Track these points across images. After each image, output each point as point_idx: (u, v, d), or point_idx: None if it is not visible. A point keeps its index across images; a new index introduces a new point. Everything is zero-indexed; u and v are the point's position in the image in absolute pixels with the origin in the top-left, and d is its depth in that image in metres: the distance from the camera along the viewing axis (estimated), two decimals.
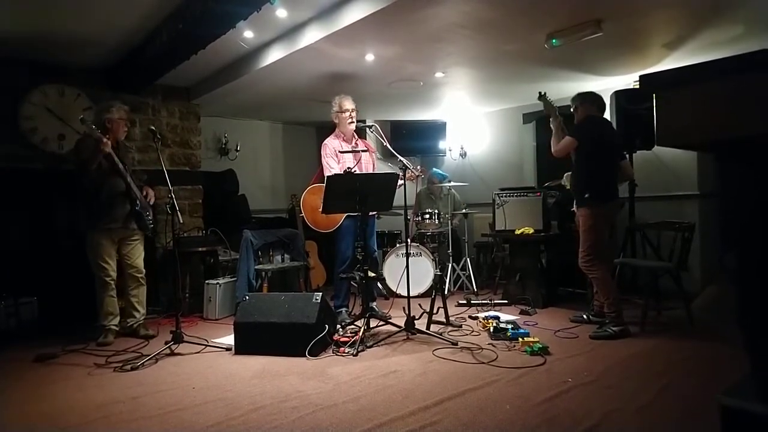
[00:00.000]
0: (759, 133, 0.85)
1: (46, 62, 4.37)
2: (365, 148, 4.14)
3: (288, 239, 4.95)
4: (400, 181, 3.71)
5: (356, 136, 4.22)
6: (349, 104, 4.08)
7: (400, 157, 3.82)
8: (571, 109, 3.71)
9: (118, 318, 3.74)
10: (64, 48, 4.08)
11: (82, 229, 3.70)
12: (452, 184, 5.56)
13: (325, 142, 4.15)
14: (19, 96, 4.27)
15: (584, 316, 3.82)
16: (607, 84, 5.05)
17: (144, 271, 3.88)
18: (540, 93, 3.87)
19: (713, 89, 0.91)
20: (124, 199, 3.67)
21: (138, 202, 3.70)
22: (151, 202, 3.81)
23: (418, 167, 3.87)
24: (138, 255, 3.84)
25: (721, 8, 3.38)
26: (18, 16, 3.46)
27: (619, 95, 4.53)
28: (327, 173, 3.96)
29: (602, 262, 3.46)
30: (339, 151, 4.04)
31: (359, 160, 4.05)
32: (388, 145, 3.99)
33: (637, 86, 4.78)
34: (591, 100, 3.62)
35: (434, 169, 6.13)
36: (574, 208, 3.70)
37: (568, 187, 4.90)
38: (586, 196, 3.45)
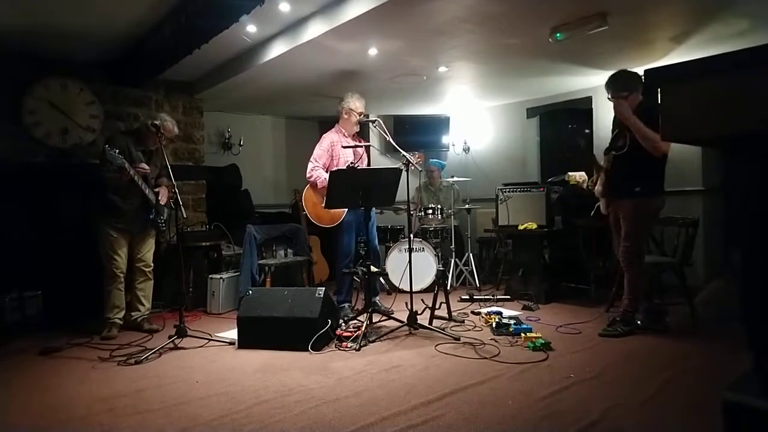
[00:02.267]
0: (766, 129, 0.84)
1: (48, 56, 4.37)
2: (368, 144, 4.14)
3: (291, 234, 4.96)
4: (409, 156, 3.72)
5: (356, 134, 4.22)
6: (362, 107, 4.08)
7: (403, 152, 3.82)
8: (614, 97, 3.26)
9: (123, 312, 3.75)
10: (66, 42, 4.08)
11: (93, 220, 3.70)
12: (455, 179, 5.56)
13: (324, 135, 4.15)
14: (22, 90, 4.28)
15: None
16: None
17: (152, 265, 3.89)
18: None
19: (719, 84, 0.90)
20: (142, 207, 3.69)
21: (153, 209, 3.73)
22: (162, 202, 3.79)
23: (416, 153, 3.88)
24: (148, 249, 3.86)
25: (726, 2, 3.35)
26: (21, 10, 3.46)
27: None
28: (309, 166, 3.99)
29: (642, 259, 3.31)
30: (342, 146, 4.04)
31: (360, 156, 4.05)
32: (391, 140, 3.98)
33: (643, 80, 4.74)
34: (641, 81, 3.30)
35: (432, 159, 6.17)
36: (603, 202, 3.47)
37: (572, 183, 4.89)
38: (637, 189, 3.19)
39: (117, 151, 3.38)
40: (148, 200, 3.68)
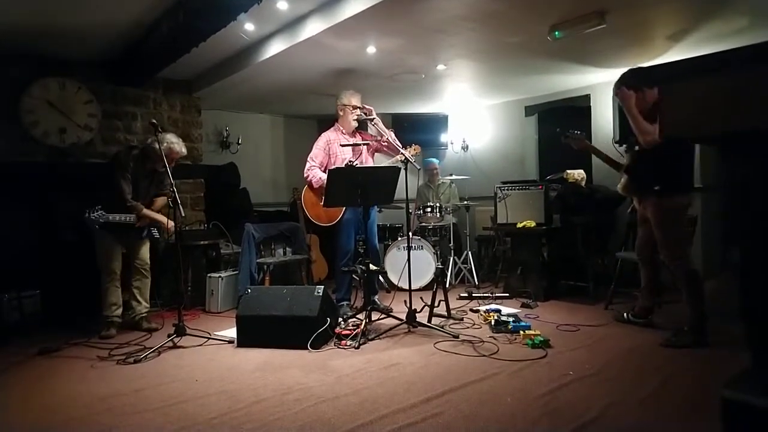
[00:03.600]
0: (765, 127, 0.84)
1: (46, 55, 4.36)
2: (367, 142, 4.12)
3: (289, 233, 4.96)
4: (407, 154, 3.77)
5: (357, 131, 4.21)
6: (357, 101, 4.06)
7: (402, 150, 3.82)
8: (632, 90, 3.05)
9: (121, 309, 3.75)
10: (64, 41, 4.06)
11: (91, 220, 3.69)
12: (453, 177, 5.57)
13: (322, 134, 4.15)
14: (20, 89, 4.26)
15: (624, 315, 3.54)
16: (610, 76, 5.02)
17: (149, 263, 3.89)
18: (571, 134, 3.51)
19: (718, 82, 0.90)
20: (134, 227, 3.70)
21: (146, 229, 3.75)
22: (141, 225, 3.73)
23: (413, 145, 3.90)
24: (144, 248, 3.86)
25: None
26: (19, 10, 3.44)
27: None
28: (306, 165, 4.01)
29: (690, 260, 3.06)
30: (341, 144, 4.04)
31: (360, 154, 4.04)
32: (390, 137, 3.98)
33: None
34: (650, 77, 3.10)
35: (426, 158, 6.19)
36: (635, 201, 3.36)
37: (570, 181, 4.90)
38: (656, 188, 3.01)
39: (99, 207, 3.42)
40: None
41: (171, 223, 3.67)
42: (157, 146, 3.51)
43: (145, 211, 3.68)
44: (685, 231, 3.11)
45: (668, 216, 3.05)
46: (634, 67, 3.27)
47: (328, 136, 4.12)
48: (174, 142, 3.69)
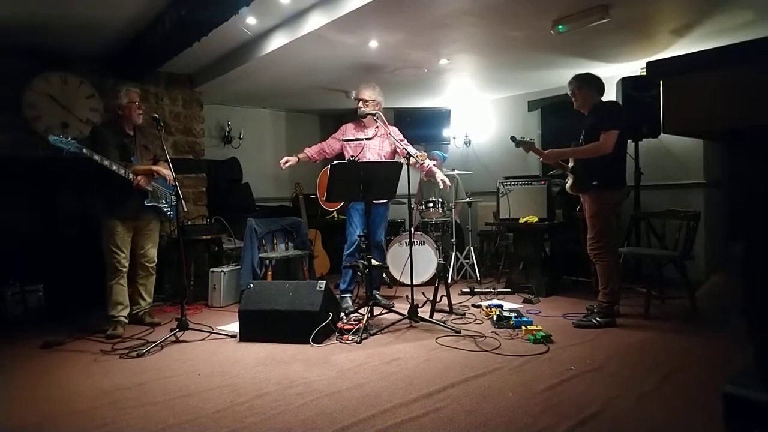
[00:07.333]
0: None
1: (48, 50, 4.36)
2: (368, 137, 4.10)
3: (292, 228, 4.96)
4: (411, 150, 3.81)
5: (377, 123, 4.16)
6: (364, 95, 4.03)
7: (404, 146, 3.81)
8: (570, 92, 3.52)
9: (127, 309, 3.68)
10: (66, 36, 4.06)
11: (97, 214, 3.63)
12: (456, 172, 5.55)
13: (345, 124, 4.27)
14: (23, 84, 4.27)
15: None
16: (613, 71, 4.99)
17: (156, 261, 3.86)
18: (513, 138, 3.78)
19: (722, 77, 0.90)
20: (138, 194, 3.59)
21: (149, 195, 3.62)
22: (142, 183, 3.57)
23: (422, 152, 3.92)
24: (152, 245, 3.80)
25: None
26: (21, 3, 3.44)
27: (626, 82, 4.49)
28: (325, 146, 4.23)
29: (610, 250, 3.39)
30: (342, 140, 4.06)
31: (362, 149, 4.04)
32: (391, 133, 3.97)
33: (644, 73, 4.73)
34: (598, 84, 3.46)
35: (434, 150, 6.17)
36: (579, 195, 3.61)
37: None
38: (594, 183, 3.34)
39: (70, 137, 3.39)
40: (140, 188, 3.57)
41: (168, 173, 3.53)
42: (120, 101, 3.54)
43: (137, 166, 3.54)
44: (611, 224, 3.43)
45: (601, 208, 3.36)
46: (586, 74, 3.53)
47: (346, 127, 4.20)
48: (134, 91, 3.65)
